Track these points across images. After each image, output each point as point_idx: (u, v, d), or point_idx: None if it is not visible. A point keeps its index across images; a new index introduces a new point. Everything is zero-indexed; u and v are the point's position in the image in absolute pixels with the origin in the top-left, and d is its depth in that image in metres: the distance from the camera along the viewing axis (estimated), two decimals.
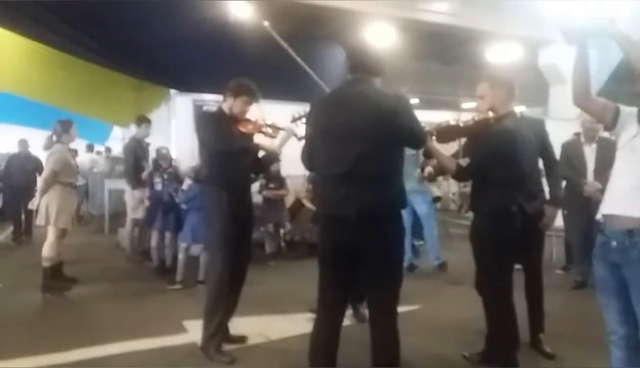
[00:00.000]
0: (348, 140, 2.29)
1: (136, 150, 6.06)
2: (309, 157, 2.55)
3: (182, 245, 5.17)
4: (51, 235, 4.89)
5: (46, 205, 4.82)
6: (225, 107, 3.40)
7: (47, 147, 5.03)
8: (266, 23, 4.88)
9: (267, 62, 5.81)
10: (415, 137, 2.42)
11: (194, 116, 3.32)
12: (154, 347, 3.53)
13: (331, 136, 2.36)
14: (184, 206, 5.27)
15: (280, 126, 3.50)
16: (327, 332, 2.46)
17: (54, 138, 5.00)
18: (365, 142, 2.27)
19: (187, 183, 5.38)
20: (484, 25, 12.21)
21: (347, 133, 2.30)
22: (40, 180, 4.90)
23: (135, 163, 6.02)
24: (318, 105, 2.52)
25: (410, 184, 3.58)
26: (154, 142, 6.35)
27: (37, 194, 4.94)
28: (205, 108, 3.88)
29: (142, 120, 6.25)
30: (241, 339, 3.57)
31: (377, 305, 2.44)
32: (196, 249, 5.17)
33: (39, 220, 4.90)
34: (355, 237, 2.31)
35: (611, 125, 2.22)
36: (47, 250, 4.86)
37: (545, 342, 3.37)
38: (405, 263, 5.76)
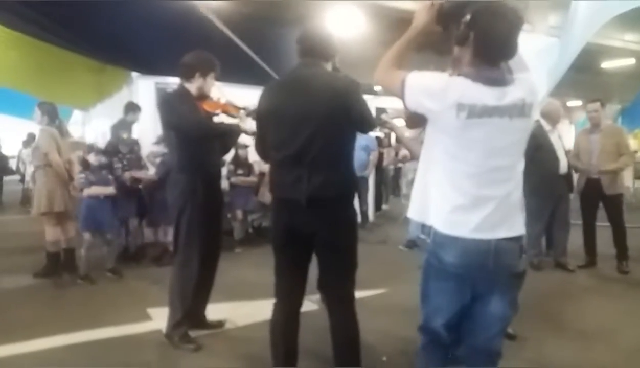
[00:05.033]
0: (298, 121, 2.25)
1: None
2: (262, 146, 2.50)
3: (85, 235, 4.85)
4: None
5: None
6: (193, 88, 3.20)
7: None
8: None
9: (231, 44, 5.68)
10: (365, 120, 2.37)
11: (158, 99, 3.05)
12: (118, 335, 3.46)
13: (282, 119, 2.31)
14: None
15: (239, 105, 3.36)
16: (285, 318, 2.45)
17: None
18: (315, 123, 2.23)
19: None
20: None
21: (298, 114, 2.26)
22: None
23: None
24: (269, 90, 2.45)
25: None
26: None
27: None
28: (167, 90, 3.71)
29: (131, 107, 6.07)
30: (219, 324, 3.55)
31: (332, 291, 2.43)
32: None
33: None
34: (306, 221, 2.29)
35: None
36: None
37: None
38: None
